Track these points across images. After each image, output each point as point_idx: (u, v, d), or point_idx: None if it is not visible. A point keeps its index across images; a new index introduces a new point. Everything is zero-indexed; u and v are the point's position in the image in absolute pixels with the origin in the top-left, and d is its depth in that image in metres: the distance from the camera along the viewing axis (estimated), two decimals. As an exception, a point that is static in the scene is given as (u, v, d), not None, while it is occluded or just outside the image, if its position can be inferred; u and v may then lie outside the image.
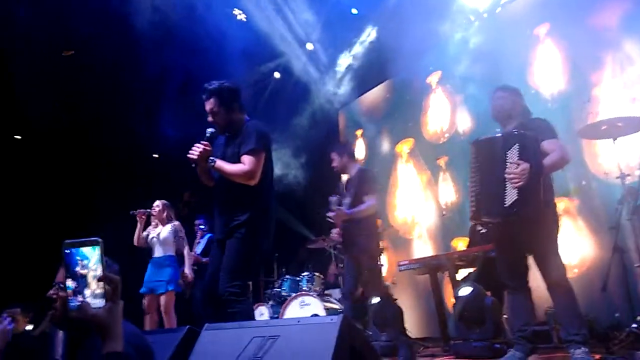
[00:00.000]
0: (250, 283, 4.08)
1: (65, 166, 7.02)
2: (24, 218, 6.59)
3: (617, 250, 3.69)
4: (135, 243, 5.16)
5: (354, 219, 3.93)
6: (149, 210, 5.16)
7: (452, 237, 6.08)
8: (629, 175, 3.66)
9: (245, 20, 6.97)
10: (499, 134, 3.11)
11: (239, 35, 6.75)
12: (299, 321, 1.87)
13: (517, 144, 2.90)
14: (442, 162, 6.42)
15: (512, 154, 2.90)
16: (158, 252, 5.10)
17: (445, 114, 6.51)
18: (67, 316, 1.21)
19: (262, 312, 5.83)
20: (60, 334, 3.14)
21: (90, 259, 1.18)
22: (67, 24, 5.87)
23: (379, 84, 7.60)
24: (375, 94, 7.75)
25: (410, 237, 6.74)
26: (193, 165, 2.90)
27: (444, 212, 6.28)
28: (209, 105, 2.98)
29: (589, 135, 4.12)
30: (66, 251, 1.19)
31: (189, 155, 2.87)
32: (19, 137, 7.38)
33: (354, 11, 7.23)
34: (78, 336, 1.78)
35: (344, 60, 7.75)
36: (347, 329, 1.73)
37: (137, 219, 5.10)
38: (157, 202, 5.25)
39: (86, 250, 1.18)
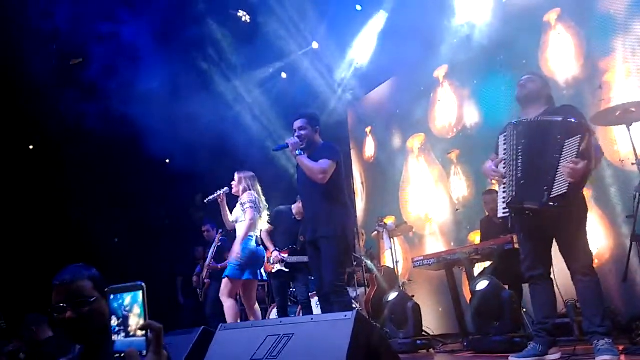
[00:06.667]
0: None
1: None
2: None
3: (635, 239, 3.60)
4: (227, 228, 4.64)
5: None
6: (226, 188, 4.53)
7: (466, 232, 6.00)
8: (645, 161, 3.56)
9: (249, 21, 6.96)
10: (559, 118, 2.85)
11: (244, 36, 6.74)
12: (312, 318, 1.84)
13: (579, 135, 2.68)
14: (453, 156, 6.35)
15: (572, 144, 2.70)
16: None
17: (452, 108, 6.43)
18: None
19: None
20: None
21: (133, 304, 1.16)
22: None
23: (386, 80, 7.55)
24: (383, 90, 7.70)
25: (424, 233, 6.68)
26: (280, 148, 3.61)
27: (457, 207, 6.21)
28: (298, 123, 3.61)
29: (602, 122, 4.02)
30: (110, 296, 1.18)
31: (287, 140, 3.51)
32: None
33: (359, 8, 7.19)
34: None
35: (350, 58, 7.71)
36: (362, 325, 1.70)
37: (219, 202, 4.53)
38: (235, 174, 4.60)
39: (129, 295, 1.16)
